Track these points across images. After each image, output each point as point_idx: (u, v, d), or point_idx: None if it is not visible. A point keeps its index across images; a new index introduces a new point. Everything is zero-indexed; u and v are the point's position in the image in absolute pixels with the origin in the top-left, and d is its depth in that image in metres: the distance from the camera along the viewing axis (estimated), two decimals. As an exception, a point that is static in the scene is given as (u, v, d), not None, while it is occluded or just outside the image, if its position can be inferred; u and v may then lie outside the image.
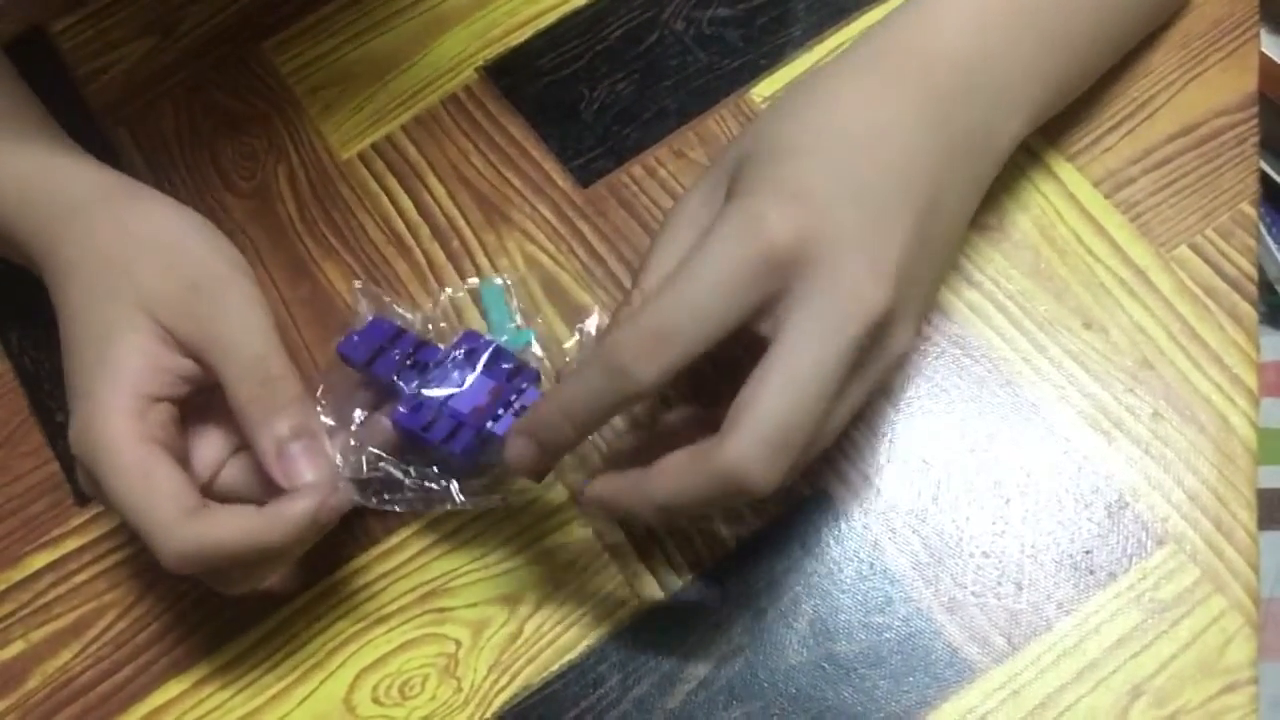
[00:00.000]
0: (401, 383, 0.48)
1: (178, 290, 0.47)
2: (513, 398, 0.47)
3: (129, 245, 0.48)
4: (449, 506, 0.47)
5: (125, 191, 0.51)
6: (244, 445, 0.48)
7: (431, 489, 0.47)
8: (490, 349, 0.48)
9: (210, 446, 0.48)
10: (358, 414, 0.48)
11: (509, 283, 0.54)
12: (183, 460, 0.46)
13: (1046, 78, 0.49)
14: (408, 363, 0.49)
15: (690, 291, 0.39)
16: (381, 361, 0.49)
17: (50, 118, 0.56)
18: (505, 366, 0.48)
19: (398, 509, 0.47)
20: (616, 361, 0.39)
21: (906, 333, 0.42)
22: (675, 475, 0.40)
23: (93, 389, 0.46)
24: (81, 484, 0.48)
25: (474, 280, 0.55)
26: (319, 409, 0.48)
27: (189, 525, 0.44)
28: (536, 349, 0.51)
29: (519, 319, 0.53)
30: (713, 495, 0.39)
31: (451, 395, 0.47)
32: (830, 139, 0.43)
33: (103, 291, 0.48)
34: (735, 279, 0.39)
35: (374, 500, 0.47)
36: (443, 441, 0.46)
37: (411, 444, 0.48)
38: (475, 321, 0.55)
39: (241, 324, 0.47)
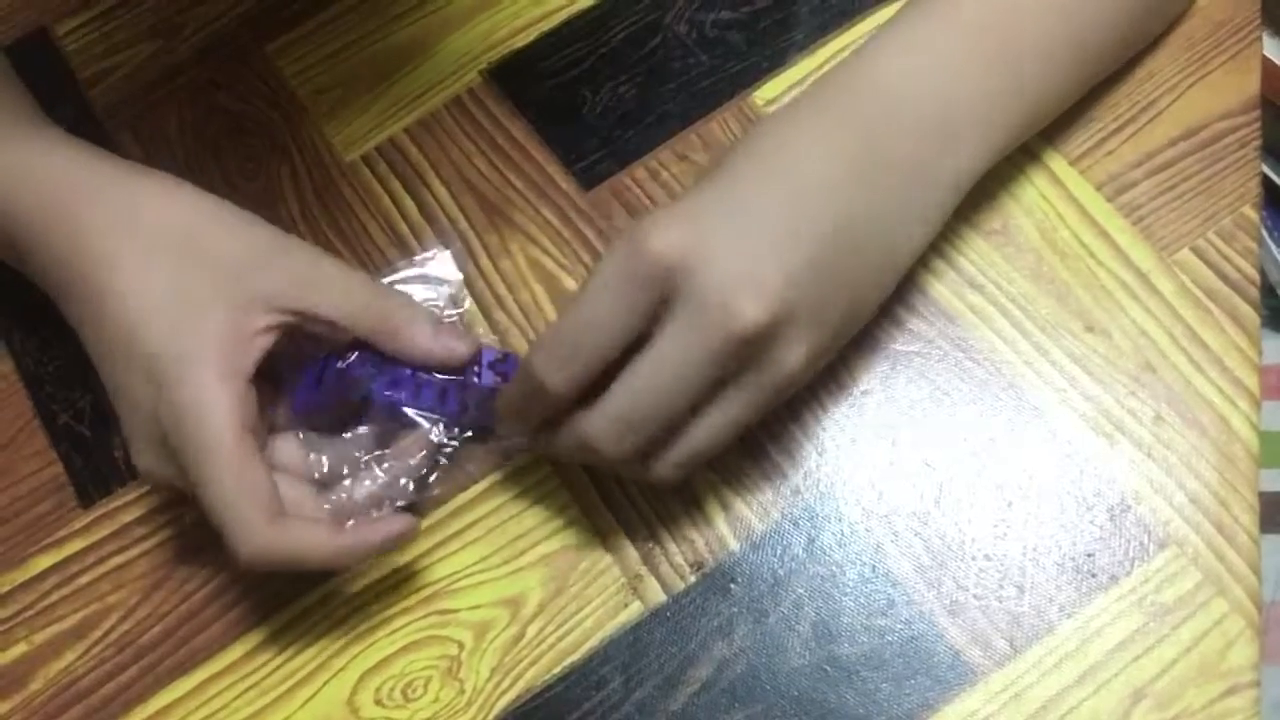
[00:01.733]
0: (369, 374, 0.49)
1: (260, 252, 0.48)
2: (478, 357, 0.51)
3: (190, 214, 0.48)
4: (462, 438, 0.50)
5: (159, 173, 0.51)
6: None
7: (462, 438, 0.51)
8: None
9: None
10: (356, 433, 0.50)
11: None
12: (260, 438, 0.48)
13: (993, 116, 0.49)
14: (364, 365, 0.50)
15: (583, 311, 0.43)
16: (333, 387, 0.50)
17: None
18: None
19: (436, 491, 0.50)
20: (535, 379, 0.44)
21: (796, 353, 0.44)
22: (562, 431, 0.46)
23: (186, 355, 0.45)
24: (139, 461, 0.48)
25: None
26: (318, 461, 0.49)
27: (272, 531, 0.45)
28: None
29: None
30: (576, 453, 0.46)
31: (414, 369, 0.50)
32: (738, 170, 0.46)
33: (173, 258, 0.47)
34: (619, 295, 0.43)
35: (426, 493, 0.50)
36: (436, 403, 0.50)
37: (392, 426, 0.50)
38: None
39: (335, 265, 0.49)
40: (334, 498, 0.48)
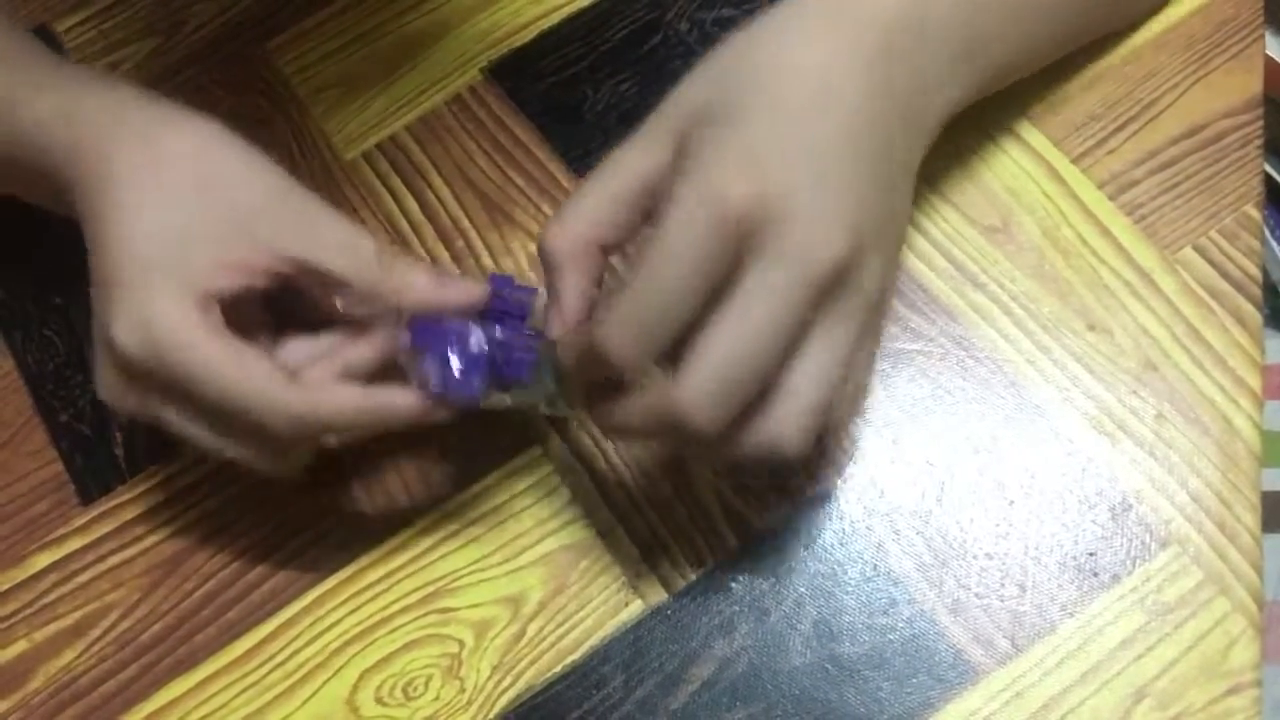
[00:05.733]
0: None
1: (270, 201, 0.47)
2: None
3: (211, 160, 0.48)
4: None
5: (181, 108, 0.50)
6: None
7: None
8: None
9: (294, 353, 0.49)
10: None
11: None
12: None
13: (990, 47, 0.48)
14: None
15: (661, 277, 0.40)
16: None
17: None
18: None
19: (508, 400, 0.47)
20: (605, 354, 0.41)
21: (874, 270, 0.42)
22: (636, 404, 0.42)
23: (152, 281, 0.45)
24: (106, 391, 0.47)
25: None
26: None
27: (297, 391, 0.44)
28: None
29: None
30: (663, 430, 0.41)
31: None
32: (782, 98, 0.43)
33: (186, 202, 0.47)
34: (703, 257, 0.40)
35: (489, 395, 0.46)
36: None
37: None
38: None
39: (345, 224, 0.47)
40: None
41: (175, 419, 0.47)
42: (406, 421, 0.46)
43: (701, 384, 0.40)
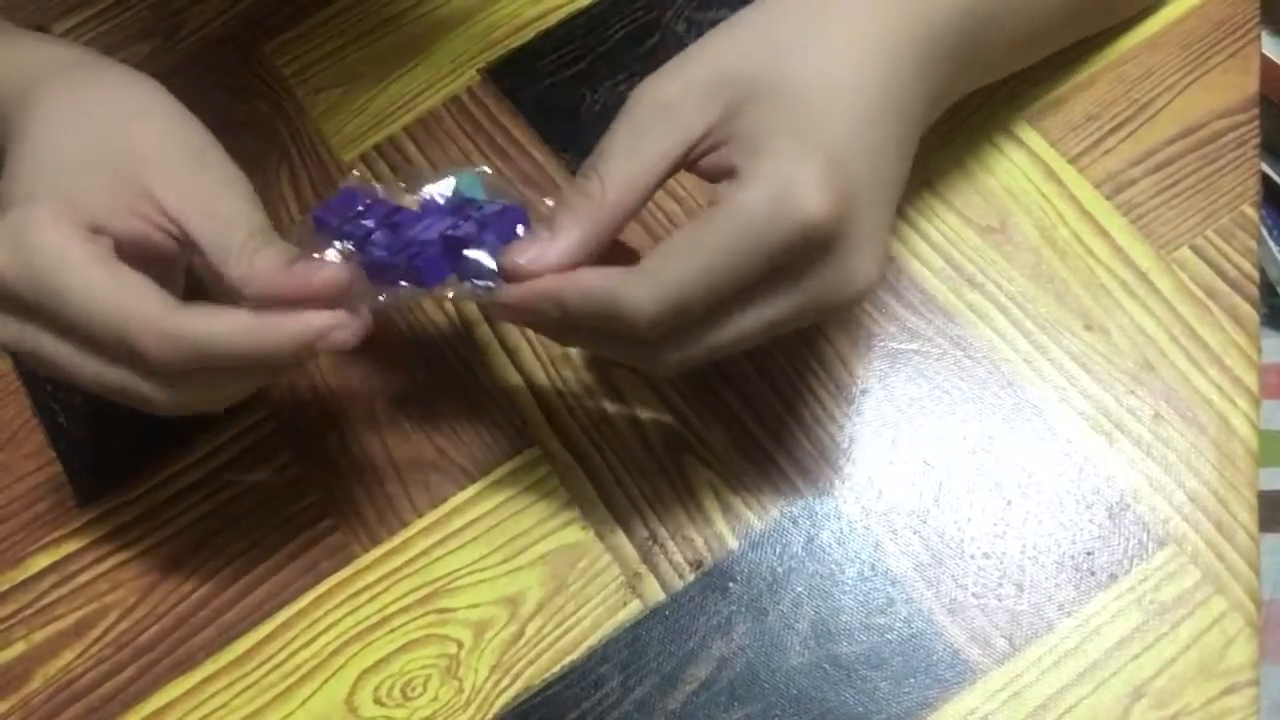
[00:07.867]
0: (375, 238, 0.46)
1: (183, 158, 0.45)
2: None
3: (127, 98, 0.46)
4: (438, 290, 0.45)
5: (107, 60, 0.49)
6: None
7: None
8: (454, 197, 0.47)
9: None
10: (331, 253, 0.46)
11: (484, 171, 0.50)
12: None
13: (1007, 44, 0.49)
14: (384, 223, 0.46)
15: (720, 271, 0.39)
16: (352, 226, 0.46)
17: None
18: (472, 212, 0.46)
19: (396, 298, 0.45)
20: (622, 313, 0.40)
21: (871, 295, 0.43)
22: (583, 279, 0.41)
23: (37, 200, 0.43)
24: None
25: (449, 175, 0.49)
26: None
27: (177, 314, 0.41)
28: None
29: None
30: (605, 328, 0.41)
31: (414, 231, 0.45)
32: (843, 89, 0.41)
33: (87, 130, 0.45)
34: (766, 259, 0.39)
35: (375, 302, 0.45)
36: (411, 260, 0.44)
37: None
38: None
39: (235, 200, 0.45)
40: None
41: (49, 347, 0.43)
42: (293, 348, 0.42)
43: (684, 351, 0.41)
